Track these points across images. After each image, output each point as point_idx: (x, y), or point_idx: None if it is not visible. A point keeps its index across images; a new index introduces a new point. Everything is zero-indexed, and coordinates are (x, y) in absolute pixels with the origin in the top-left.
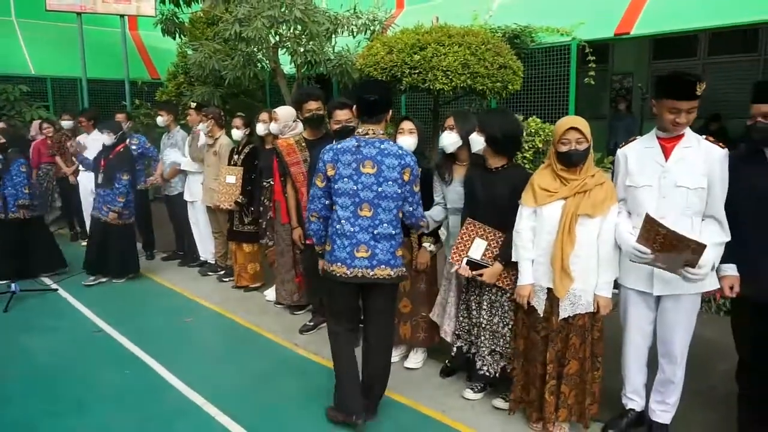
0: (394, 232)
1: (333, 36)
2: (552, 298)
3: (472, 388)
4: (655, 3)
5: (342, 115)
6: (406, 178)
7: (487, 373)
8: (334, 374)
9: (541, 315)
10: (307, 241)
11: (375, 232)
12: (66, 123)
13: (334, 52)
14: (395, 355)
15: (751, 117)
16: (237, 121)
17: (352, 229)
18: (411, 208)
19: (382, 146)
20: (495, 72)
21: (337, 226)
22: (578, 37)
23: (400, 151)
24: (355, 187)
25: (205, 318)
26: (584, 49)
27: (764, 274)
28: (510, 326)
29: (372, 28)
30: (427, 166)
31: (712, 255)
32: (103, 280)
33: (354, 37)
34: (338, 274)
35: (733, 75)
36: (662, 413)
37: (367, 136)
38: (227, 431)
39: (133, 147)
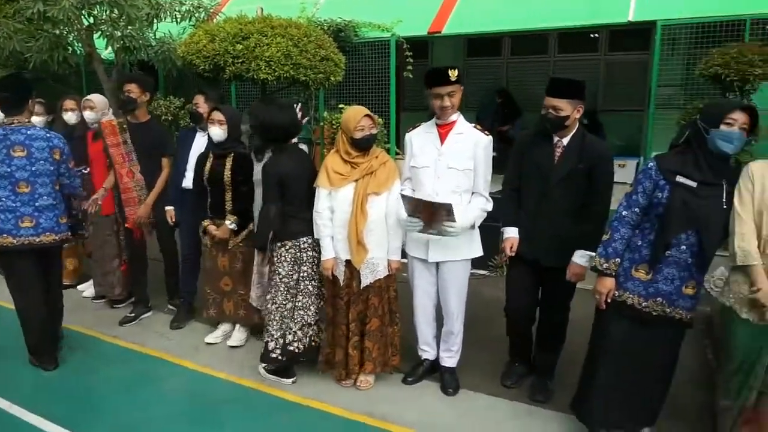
0: (54, 202)
1: (155, 21)
2: (351, 268)
3: (265, 367)
4: (464, 6)
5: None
6: (57, 157)
7: (297, 350)
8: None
9: (342, 284)
10: (127, 225)
11: (36, 204)
12: None
13: (155, 38)
14: (219, 335)
15: (544, 107)
16: (37, 108)
17: (13, 205)
18: (68, 181)
19: (29, 132)
20: (317, 63)
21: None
22: (397, 34)
23: (47, 135)
24: (9, 170)
25: (14, 320)
26: (403, 44)
27: (537, 236)
28: (277, 304)
29: (196, 15)
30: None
31: (471, 216)
32: None
33: (178, 23)
34: (5, 244)
35: (576, 73)
36: (449, 359)
37: (12, 125)
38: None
39: None
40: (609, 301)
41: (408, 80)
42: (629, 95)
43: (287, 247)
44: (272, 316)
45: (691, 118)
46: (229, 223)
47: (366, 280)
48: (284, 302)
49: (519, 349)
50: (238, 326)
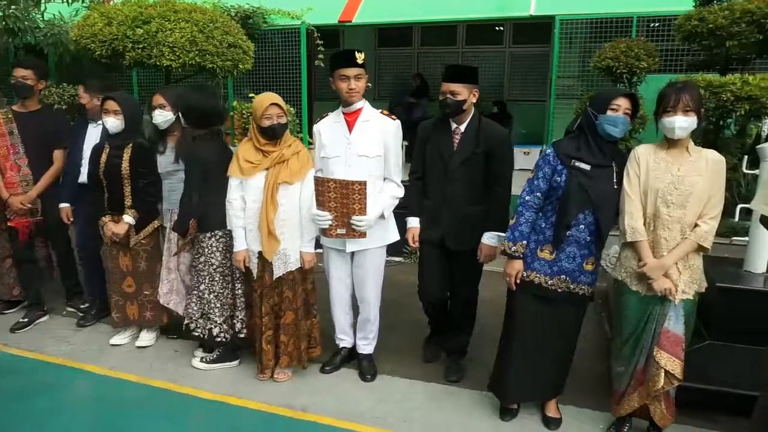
0: None
1: (42, 1)
2: (263, 260)
3: (202, 357)
4: None
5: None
6: None
7: (201, 336)
8: None
9: (255, 276)
10: (9, 223)
11: None
12: None
13: (44, 20)
14: (126, 336)
15: (442, 93)
16: None
17: None
18: None
19: None
20: (225, 50)
21: None
22: (307, 22)
23: None
24: None
25: None
26: (313, 33)
27: (444, 221)
28: (216, 293)
29: None
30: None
31: (380, 206)
32: None
33: (69, 4)
34: None
35: (479, 63)
36: (365, 346)
37: None
38: None
39: None
40: (518, 282)
41: (319, 69)
42: (533, 86)
43: (218, 237)
44: (212, 305)
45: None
46: (128, 218)
47: (278, 271)
48: (222, 290)
49: (435, 330)
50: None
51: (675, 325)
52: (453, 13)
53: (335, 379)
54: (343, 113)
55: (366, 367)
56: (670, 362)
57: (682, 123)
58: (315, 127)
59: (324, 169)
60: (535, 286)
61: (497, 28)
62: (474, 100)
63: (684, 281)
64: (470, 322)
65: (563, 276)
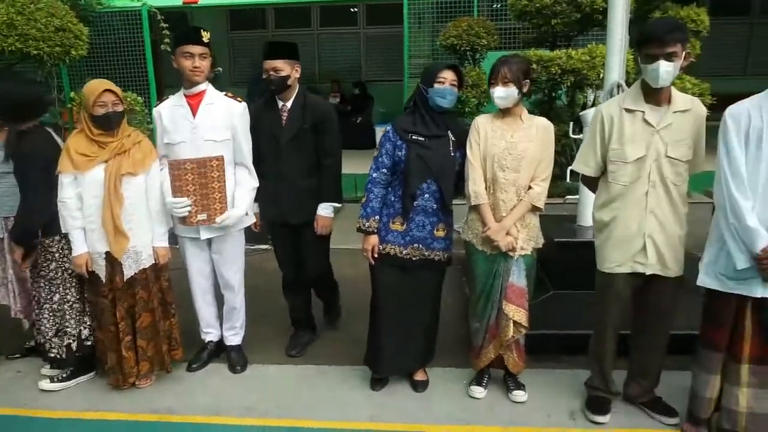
0: None
1: None
2: (112, 260)
3: (52, 378)
4: None
5: None
6: None
7: (58, 356)
8: None
9: (104, 280)
10: None
11: None
12: None
13: None
14: None
15: (265, 72)
16: None
17: None
18: None
19: None
20: (51, 35)
21: None
22: (149, 3)
23: None
24: None
25: None
26: (157, 15)
27: (281, 201)
28: (71, 302)
29: None
30: None
31: (243, 206)
32: None
33: None
34: None
35: (336, 45)
36: (233, 336)
37: None
38: None
39: None
40: (376, 256)
41: (168, 55)
42: (389, 66)
43: (56, 240)
44: (67, 316)
45: None
46: None
47: (129, 271)
48: (78, 298)
49: (298, 315)
50: None
51: (518, 278)
52: None
53: (203, 376)
54: (186, 96)
55: (235, 358)
56: (516, 313)
57: (501, 93)
58: (155, 110)
59: (170, 156)
60: (392, 258)
61: (352, 10)
62: (297, 75)
63: (522, 239)
64: (331, 292)
65: (416, 244)
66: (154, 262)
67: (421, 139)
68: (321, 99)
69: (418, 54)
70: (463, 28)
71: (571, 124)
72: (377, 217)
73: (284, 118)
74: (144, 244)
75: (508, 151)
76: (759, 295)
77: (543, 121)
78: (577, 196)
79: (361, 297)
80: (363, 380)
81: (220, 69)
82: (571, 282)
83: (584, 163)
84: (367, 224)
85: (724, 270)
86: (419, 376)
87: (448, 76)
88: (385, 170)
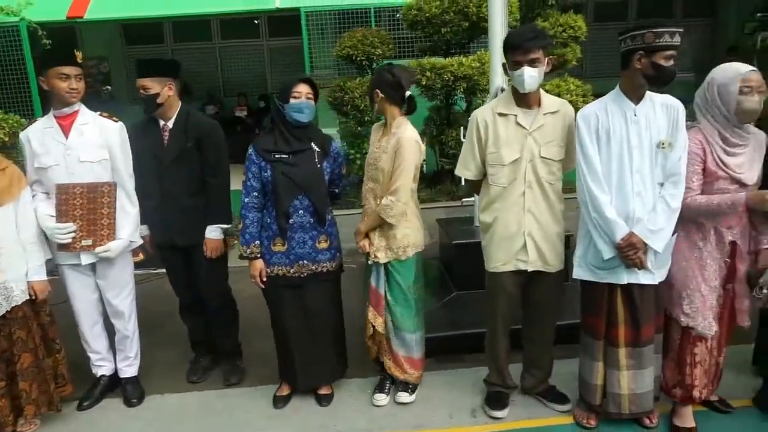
0: None
1: None
2: None
3: None
4: None
5: None
6: None
7: None
8: None
9: None
10: None
11: None
12: None
13: None
14: None
15: (138, 90)
16: None
17: None
18: None
19: None
20: None
21: None
22: (28, 18)
23: None
24: None
25: None
26: (38, 31)
27: (167, 222)
28: None
29: None
30: None
31: (127, 231)
32: None
33: None
34: None
35: (239, 58)
36: (127, 368)
37: None
38: None
39: None
40: (265, 279)
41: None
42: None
43: None
44: None
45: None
46: None
47: (0, 309)
48: None
49: (197, 338)
50: None
51: (377, 282)
52: (198, 6)
53: (97, 413)
54: (56, 117)
55: (131, 391)
56: (373, 316)
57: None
58: (22, 135)
59: (43, 181)
60: (282, 278)
61: (255, 22)
62: (170, 93)
63: (381, 247)
64: (230, 319)
65: (302, 261)
66: (29, 297)
67: (284, 156)
68: (204, 116)
69: (323, 65)
70: (358, 39)
71: (462, 129)
72: (257, 242)
73: (166, 137)
74: (16, 278)
75: (373, 161)
76: (625, 282)
77: (403, 133)
78: (473, 199)
79: (262, 313)
80: (267, 399)
81: (109, 87)
82: (472, 282)
83: (465, 167)
84: (248, 251)
85: (594, 261)
86: (323, 390)
87: (303, 89)
88: (255, 193)
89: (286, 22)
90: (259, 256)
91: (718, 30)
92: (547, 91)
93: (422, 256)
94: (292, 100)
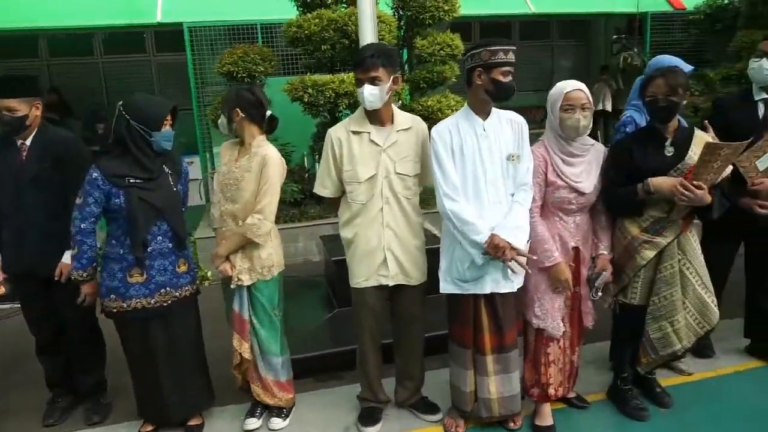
0: None
1: None
2: None
3: None
4: None
5: None
6: None
7: None
8: None
9: None
10: None
11: None
12: None
13: None
14: None
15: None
16: None
17: None
18: None
19: None
20: None
21: None
22: None
23: None
24: None
25: None
26: None
27: (26, 249)
28: None
29: None
30: None
31: None
32: None
33: None
34: None
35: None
36: None
37: None
38: None
39: None
40: (109, 305)
41: None
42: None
43: None
44: None
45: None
46: None
47: None
48: None
49: (56, 378)
50: None
51: (240, 307)
52: (72, 19)
53: None
54: None
55: None
56: (238, 343)
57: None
58: None
59: None
60: (141, 311)
61: (144, 36)
62: (37, 113)
63: (245, 269)
64: (98, 352)
65: (163, 289)
66: None
67: (139, 181)
68: (64, 132)
69: (212, 81)
70: (239, 55)
71: None
72: (94, 264)
73: (23, 157)
74: None
75: (231, 181)
76: (488, 291)
77: (269, 152)
78: None
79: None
80: None
81: None
82: (349, 298)
83: (322, 186)
84: (85, 273)
85: (458, 274)
86: (193, 421)
87: (169, 118)
88: (94, 219)
89: (174, 36)
90: (92, 277)
91: (591, 51)
92: (428, 107)
93: (308, 274)
94: (162, 129)
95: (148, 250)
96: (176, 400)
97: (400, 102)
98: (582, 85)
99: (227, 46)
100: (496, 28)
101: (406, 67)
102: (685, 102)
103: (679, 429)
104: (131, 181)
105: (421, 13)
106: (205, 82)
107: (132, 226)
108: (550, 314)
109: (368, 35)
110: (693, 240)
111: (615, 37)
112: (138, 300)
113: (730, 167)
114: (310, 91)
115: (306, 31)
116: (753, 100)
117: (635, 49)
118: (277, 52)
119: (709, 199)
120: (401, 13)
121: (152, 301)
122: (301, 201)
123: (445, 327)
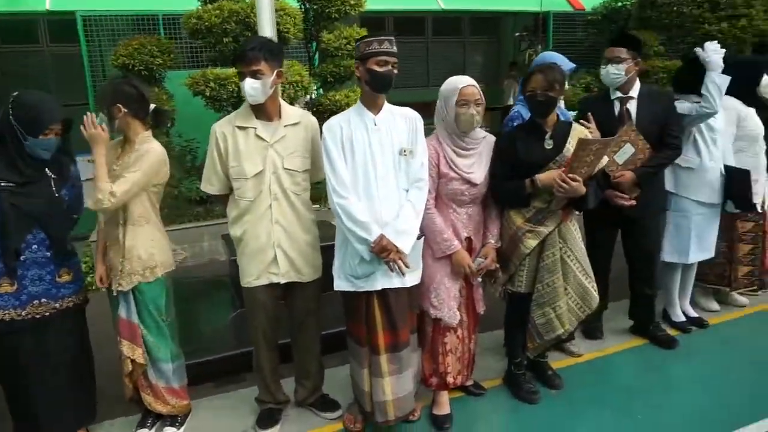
0: None
1: None
2: None
3: None
4: None
5: None
6: None
7: None
8: None
9: None
10: None
11: None
12: None
13: None
14: None
15: None
16: None
17: None
18: None
19: None
20: None
21: None
22: None
23: None
24: None
25: None
26: None
27: None
28: None
29: None
30: None
31: None
32: None
33: None
34: None
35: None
36: None
37: None
38: None
39: None
40: None
41: None
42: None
43: None
44: None
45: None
46: None
47: None
48: None
49: None
50: None
51: (127, 313)
52: None
53: None
54: None
55: None
56: (129, 349)
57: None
58: None
59: None
60: (9, 324)
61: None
62: None
63: (125, 273)
64: None
65: (38, 300)
66: None
67: (11, 185)
68: None
69: (113, 74)
70: (135, 47)
71: None
72: None
73: None
74: None
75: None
76: (379, 288)
77: (153, 146)
78: None
79: None
80: None
81: None
82: None
83: (208, 182)
84: None
85: (351, 271)
86: None
87: (56, 127)
88: None
89: (69, 26)
90: None
91: (501, 47)
92: (336, 101)
93: (214, 274)
94: (42, 137)
95: (21, 258)
96: (51, 417)
97: (308, 96)
98: (474, 81)
99: (125, 38)
100: (408, 23)
101: (315, 59)
102: (561, 97)
103: (567, 409)
104: (2, 185)
105: (327, 7)
106: (106, 75)
107: (2, 233)
108: (446, 303)
109: (267, 27)
110: (573, 229)
111: (517, 34)
112: (6, 312)
113: (606, 159)
114: (212, 84)
115: (206, 23)
116: (610, 99)
117: (539, 47)
118: (182, 45)
119: (583, 190)
120: (307, 6)
121: (23, 313)
122: (207, 199)
123: (342, 324)
